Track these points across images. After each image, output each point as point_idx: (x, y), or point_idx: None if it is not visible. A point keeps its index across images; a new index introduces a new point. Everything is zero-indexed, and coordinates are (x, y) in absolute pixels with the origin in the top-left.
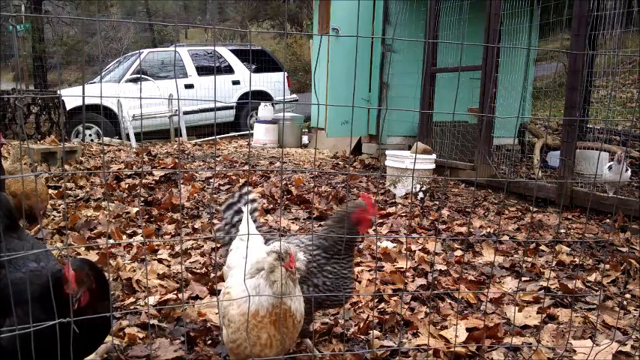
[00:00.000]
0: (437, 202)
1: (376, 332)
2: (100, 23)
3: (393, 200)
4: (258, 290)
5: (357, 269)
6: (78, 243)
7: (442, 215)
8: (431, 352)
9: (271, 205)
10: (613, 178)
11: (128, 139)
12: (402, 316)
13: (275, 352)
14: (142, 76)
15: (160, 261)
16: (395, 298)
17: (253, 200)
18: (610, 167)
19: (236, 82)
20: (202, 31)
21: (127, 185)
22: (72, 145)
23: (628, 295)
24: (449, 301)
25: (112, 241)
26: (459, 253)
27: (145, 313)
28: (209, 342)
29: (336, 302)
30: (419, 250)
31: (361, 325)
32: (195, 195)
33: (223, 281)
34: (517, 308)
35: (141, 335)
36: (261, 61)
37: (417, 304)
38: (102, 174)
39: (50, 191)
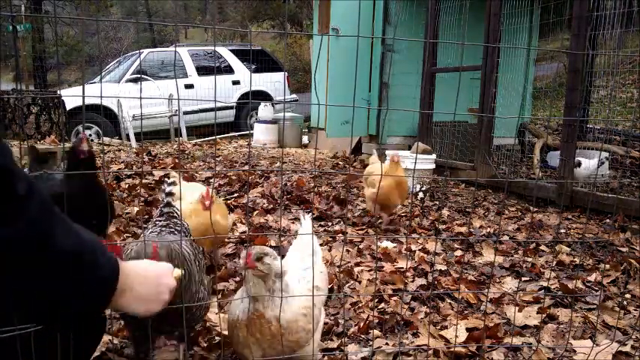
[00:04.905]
0: (437, 202)
1: (376, 332)
2: (99, 23)
3: None
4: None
5: (357, 269)
6: None
7: (442, 215)
8: (431, 352)
9: (271, 205)
10: (578, 174)
11: (128, 139)
12: (402, 316)
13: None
14: (142, 76)
15: None
16: (395, 298)
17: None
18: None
19: (236, 82)
20: (202, 31)
21: (127, 185)
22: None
23: (628, 295)
24: (449, 301)
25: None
26: (459, 253)
27: None
28: (209, 342)
29: None
30: (419, 250)
31: (361, 325)
32: None
33: (224, 281)
34: (517, 308)
35: None
36: (261, 61)
37: (417, 304)
38: (102, 174)
39: None
